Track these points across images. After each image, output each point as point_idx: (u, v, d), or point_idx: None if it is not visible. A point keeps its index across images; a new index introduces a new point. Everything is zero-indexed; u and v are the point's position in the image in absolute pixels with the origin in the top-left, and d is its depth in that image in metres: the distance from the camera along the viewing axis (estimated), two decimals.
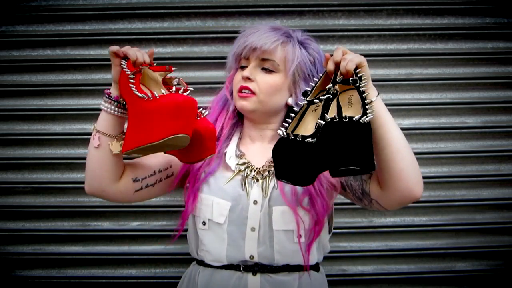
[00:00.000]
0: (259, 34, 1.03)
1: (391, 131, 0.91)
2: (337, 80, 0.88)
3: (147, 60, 0.92)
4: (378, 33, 1.51)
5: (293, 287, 1.03)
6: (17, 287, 1.53)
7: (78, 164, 1.51)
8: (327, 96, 0.87)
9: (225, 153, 1.08)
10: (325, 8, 1.50)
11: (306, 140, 0.84)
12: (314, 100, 0.90)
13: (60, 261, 1.53)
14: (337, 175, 0.82)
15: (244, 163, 1.06)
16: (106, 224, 1.52)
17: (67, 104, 1.51)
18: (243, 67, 1.07)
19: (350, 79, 0.87)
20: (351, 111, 0.89)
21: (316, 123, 0.84)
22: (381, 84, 1.51)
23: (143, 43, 1.50)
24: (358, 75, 0.87)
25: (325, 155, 0.80)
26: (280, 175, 0.88)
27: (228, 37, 1.49)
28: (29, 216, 1.52)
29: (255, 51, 1.02)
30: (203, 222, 1.04)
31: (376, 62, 1.51)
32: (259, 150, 1.09)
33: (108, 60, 1.48)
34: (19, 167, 1.52)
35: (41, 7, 1.48)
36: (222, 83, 1.19)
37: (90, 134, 1.48)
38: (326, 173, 1.02)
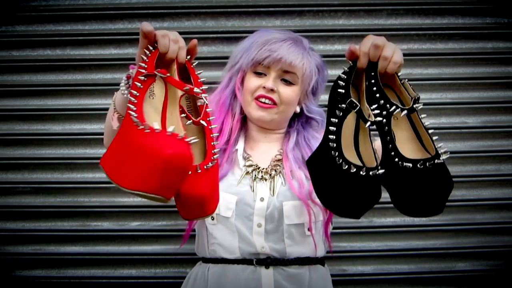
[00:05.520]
0: (286, 47, 1.02)
1: None
2: (392, 103, 0.72)
3: (182, 57, 0.77)
4: (378, 33, 1.49)
5: (305, 278, 1.04)
6: (17, 287, 1.53)
7: (78, 164, 1.52)
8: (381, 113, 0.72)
9: (236, 150, 1.09)
10: (325, 8, 1.50)
11: (371, 173, 0.67)
12: (369, 119, 0.71)
13: (60, 261, 1.53)
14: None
15: (251, 165, 1.07)
16: (106, 224, 1.52)
17: (67, 104, 1.51)
18: (259, 74, 1.06)
19: (414, 105, 0.72)
20: (411, 145, 0.75)
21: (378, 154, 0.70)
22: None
23: None
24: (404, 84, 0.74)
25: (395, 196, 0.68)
26: (329, 206, 0.74)
27: (228, 37, 1.49)
28: (29, 216, 1.52)
29: (279, 63, 1.02)
30: (212, 217, 1.05)
31: None
32: (263, 150, 1.11)
33: (108, 60, 1.51)
34: (19, 167, 1.52)
35: (41, 7, 1.48)
36: None
37: (90, 134, 1.52)
38: None
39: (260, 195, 1.03)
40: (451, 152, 1.51)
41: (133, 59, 1.57)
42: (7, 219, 1.53)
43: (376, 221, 1.53)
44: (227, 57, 1.15)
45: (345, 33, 1.50)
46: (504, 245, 1.53)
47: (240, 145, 1.10)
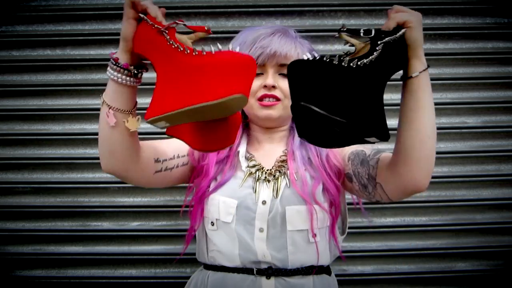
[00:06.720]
0: (277, 40, 0.99)
1: (425, 117, 0.83)
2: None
3: (164, 23, 0.82)
4: None
5: None
6: (17, 287, 1.53)
7: (78, 164, 1.52)
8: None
9: (238, 152, 1.06)
10: (325, 8, 1.50)
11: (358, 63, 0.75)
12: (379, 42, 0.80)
13: (60, 261, 1.53)
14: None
15: (254, 166, 1.04)
16: (106, 224, 1.52)
17: (67, 104, 1.51)
18: (256, 74, 1.01)
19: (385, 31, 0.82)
20: None
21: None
22: None
23: None
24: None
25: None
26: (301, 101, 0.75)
27: (228, 37, 1.48)
28: (29, 216, 1.52)
29: (274, 57, 0.99)
30: (212, 222, 1.02)
31: None
32: (267, 151, 1.08)
33: (108, 60, 1.50)
34: (19, 167, 1.52)
35: (41, 7, 1.48)
36: None
37: (90, 134, 1.52)
38: (333, 156, 1.03)
39: (262, 198, 0.99)
40: (451, 152, 1.53)
41: None
42: (7, 219, 1.53)
43: (376, 221, 1.54)
44: None
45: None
46: (504, 245, 1.53)
47: (242, 147, 1.07)
